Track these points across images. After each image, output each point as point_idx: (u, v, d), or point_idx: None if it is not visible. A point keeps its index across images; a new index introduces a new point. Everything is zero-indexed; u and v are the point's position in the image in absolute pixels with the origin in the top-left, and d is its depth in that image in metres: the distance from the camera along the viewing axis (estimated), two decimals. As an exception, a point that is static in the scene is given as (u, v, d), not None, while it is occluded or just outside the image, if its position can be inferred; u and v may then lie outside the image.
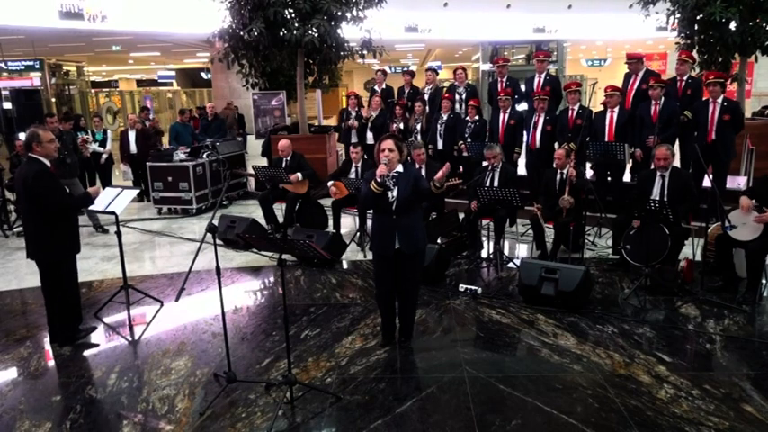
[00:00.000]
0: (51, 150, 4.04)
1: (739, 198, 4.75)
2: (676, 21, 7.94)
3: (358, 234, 6.42)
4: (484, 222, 6.07)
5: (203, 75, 24.99)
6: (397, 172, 3.74)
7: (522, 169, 7.76)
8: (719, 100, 6.24)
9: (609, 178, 6.87)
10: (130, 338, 4.36)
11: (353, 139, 8.71)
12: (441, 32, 17.63)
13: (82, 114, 12.12)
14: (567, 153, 5.69)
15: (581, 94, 6.89)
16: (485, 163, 6.17)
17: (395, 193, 3.72)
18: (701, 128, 6.33)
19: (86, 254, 6.25)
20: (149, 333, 4.42)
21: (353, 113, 8.73)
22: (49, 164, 3.99)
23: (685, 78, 6.77)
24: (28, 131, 3.99)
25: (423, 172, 5.99)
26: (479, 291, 4.93)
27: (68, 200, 4.12)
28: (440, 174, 3.62)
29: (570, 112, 6.81)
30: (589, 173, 7.18)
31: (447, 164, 3.79)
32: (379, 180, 3.61)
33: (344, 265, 5.88)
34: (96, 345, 4.25)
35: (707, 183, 5.72)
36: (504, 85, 7.75)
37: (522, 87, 8.07)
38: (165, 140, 10.76)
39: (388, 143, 3.72)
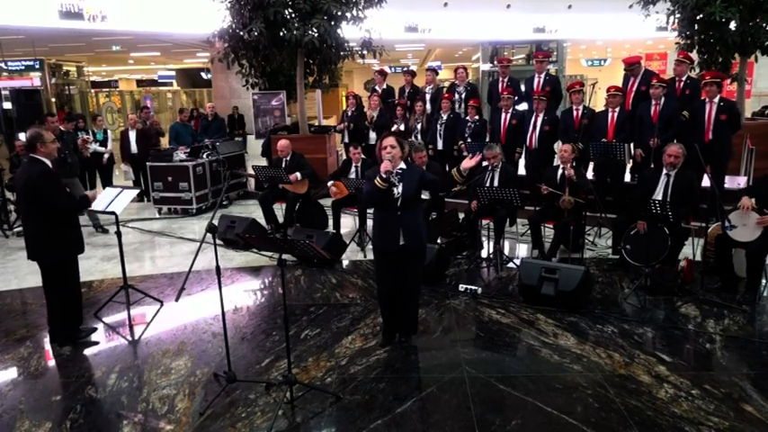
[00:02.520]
0: (53, 150, 4.04)
1: (740, 198, 4.75)
2: (676, 21, 7.94)
3: (358, 234, 6.42)
4: (484, 222, 6.07)
5: (203, 75, 24.98)
6: (400, 169, 3.77)
7: (522, 169, 7.76)
8: (716, 100, 6.25)
9: (609, 178, 6.86)
10: (130, 338, 4.36)
11: (346, 139, 8.73)
12: (441, 32, 17.62)
13: (82, 114, 12.11)
14: (573, 149, 5.68)
15: (584, 93, 6.91)
16: (485, 163, 6.17)
17: (399, 189, 3.74)
18: (698, 128, 6.33)
19: (86, 254, 6.20)
20: (149, 333, 4.42)
21: (350, 113, 8.74)
22: (50, 164, 3.99)
23: (684, 79, 6.77)
24: (31, 132, 3.97)
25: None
26: (479, 291, 4.93)
27: (70, 201, 4.12)
28: (465, 164, 3.65)
29: (575, 111, 6.82)
30: (589, 173, 7.18)
31: (479, 154, 3.87)
32: (384, 176, 3.63)
33: (344, 265, 5.88)
34: (96, 344, 4.25)
35: (706, 183, 5.72)
36: (505, 84, 7.76)
37: (522, 87, 8.07)
38: (165, 140, 10.76)
39: (390, 140, 3.75)
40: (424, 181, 3.82)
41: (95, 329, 4.42)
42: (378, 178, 3.65)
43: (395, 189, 3.74)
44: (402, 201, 3.75)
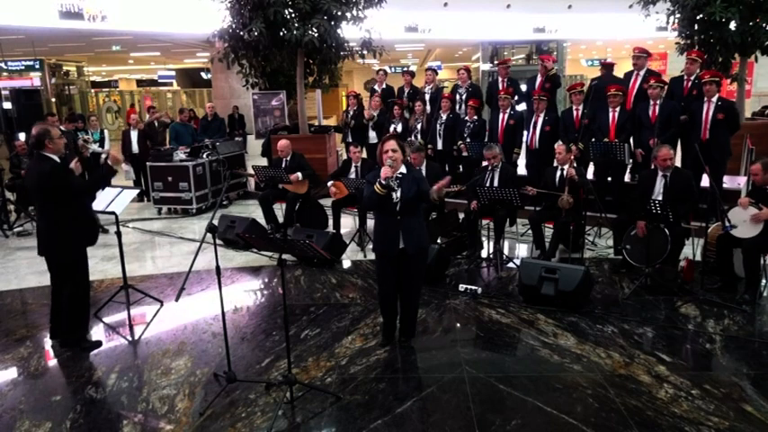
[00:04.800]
0: (61, 146, 4.01)
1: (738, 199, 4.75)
2: (676, 21, 7.94)
3: (358, 234, 6.42)
4: (484, 222, 6.07)
5: (203, 75, 25.00)
6: (400, 173, 3.75)
7: (521, 169, 7.76)
8: (714, 99, 6.25)
9: (609, 178, 6.86)
10: (130, 338, 4.36)
11: (349, 138, 8.74)
12: (441, 32, 17.64)
13: (82, 114, 12.11)
14: (567, 148, 5.69)
15: (584, 94, 6.92)
16: (485, 163, 6.17)
17: (398, 193, 3.72)
18: (695, 127, 6.33)
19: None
20: (149, 333, 4.42)
21: (351, 112, 8.74)
22: (59, 160, 3.97)
23: (692, 78, 6.76)
24: (38, 128, 3.92)
25: (423, 172, 6.00)
26: (479, 291, 4.93)
27: (90, 182, 4.08)
28: (436, 186, 3.55)
29: (575, 112, 6.82)
30: (589, 173, 7.17)
31: (448, 178, 3.70)
32: (384, 182, 3.62)
33: (344, 265, 5.88)
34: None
35: (705, 182, 5.72)
36: (505, 85, 7.76)
37: (524, 87, 8.07)
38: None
39: (391, 144, 3.72)
40: (420, 190, 3.70)
41: (100, 343, 4.25)
42: (377, 184, 3.64)
43: (394, 194, 3.73)
44: (401, 205, 3.73)
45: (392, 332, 4.07)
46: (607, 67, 7.90)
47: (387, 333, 4.07)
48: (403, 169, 3.77)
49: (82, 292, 4.13)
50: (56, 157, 3.94)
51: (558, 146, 5.77)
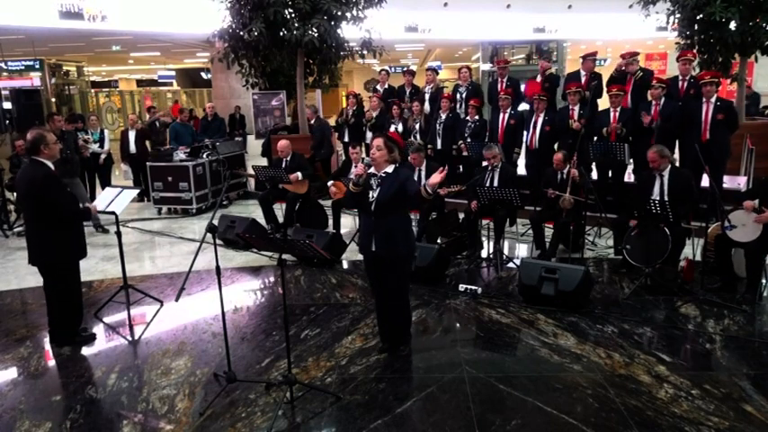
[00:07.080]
0: (56, 151, 4.03)
1: (741, 201, 4.74)
2: (676, 21, 7.93)
3: (358, 234, 6.41)
4: (484, 222, 6.07)
5: (203, 75, 25.00)
6: (384, 173, 3.64)
7: (521, 169, 7.76)
8: (713, 99, 6.24)
9: (610, 173, 6.85)
10: (130, 338, 4.36)
11: (346, 138, 8.74)
12: (441, 32, 17.63)
13: (82, 114, 12.10)
14: (564, 157, 5.69)
15: (582, 94, 6.92)
16: (484, 163, 6.17)
17: (375, 194, 3.62)
18: (695, 128, 6.32)
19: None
20: (149, 333, 4.42)
21: (351, 112, 8.75)
22: (52, 166, 3.96)
23: (687, 78, 6.76)
24: (33, 134, 3.90)
25: (423, 173, 6.00)
26: (479, 291, 4.93)
27: (74, 206, 4.09)
28: (433, 179, 3.31)
29: (570, 112, 6.81)
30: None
31: (443, 170, 3.38)
32: (353, 179, 3.58)
33: (344, 265, 5.88)
34: (96, 342, 4.25)
35: (706, 183, 5.71)
36: (504, 85, 7.76)
37: (523, 87, 8.06)
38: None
39: (377, 141, 3.63)
40: (403, 191, 3.53)
41: (94, 336, 4.33)
42: (351, 182, 3.60)
43: (371, 193, 3.62)
44: (376, 206, 3.61)
45: (386, 337, 3.98)
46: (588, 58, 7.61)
47: (382, 338, 3.99)
48: (389, 169, 3.64)
49: (70, 291, 4.13)
50: (50, 164, 3.94)
51: (556, 155, 5.77)
